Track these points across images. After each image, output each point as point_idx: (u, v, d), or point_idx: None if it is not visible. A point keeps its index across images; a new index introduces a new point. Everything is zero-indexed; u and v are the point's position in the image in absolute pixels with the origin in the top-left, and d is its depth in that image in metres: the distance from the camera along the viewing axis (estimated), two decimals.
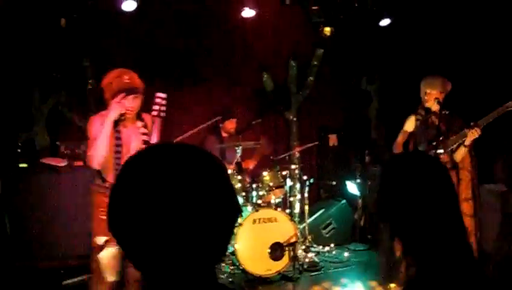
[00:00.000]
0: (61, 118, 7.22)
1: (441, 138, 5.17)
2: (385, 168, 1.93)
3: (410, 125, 5.59)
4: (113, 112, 4.02)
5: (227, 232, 1.23)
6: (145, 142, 4.18)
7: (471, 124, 4.94)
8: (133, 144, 4.20)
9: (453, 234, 1.72)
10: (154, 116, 4.23)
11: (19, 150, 6.85)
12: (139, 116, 4.32)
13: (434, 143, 5.15)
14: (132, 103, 4.17)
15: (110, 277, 4.15)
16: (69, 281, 5.77)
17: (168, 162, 1.18)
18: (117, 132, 4.14)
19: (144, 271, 1.18)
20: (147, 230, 1.11)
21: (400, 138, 5.66)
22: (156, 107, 4.21)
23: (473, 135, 4.92)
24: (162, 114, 4.25)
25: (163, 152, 1.22)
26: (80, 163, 6.75)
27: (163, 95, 4.28)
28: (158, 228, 1.11)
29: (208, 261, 1.21)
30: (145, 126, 4.30)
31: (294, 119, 8.94)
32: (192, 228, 1.13)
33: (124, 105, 4.09)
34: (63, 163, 6.42)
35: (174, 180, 1.14)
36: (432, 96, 5.25)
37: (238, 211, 1.26)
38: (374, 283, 5.88)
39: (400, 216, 1.77)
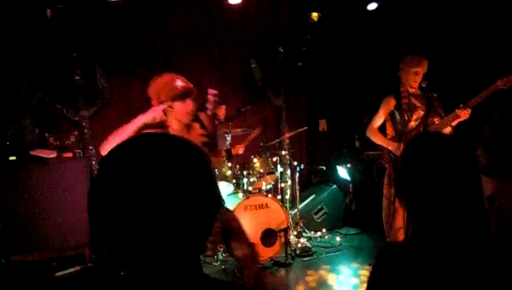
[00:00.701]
0: (50, 109, 7.19)
1: (429, 119, 5.17)
2: (408, 146, 1.91)
3: (387, 107, 5.48)
4: (151, 113, 3.96)
5: (207, 225, 1.23)
6: (205, 143, 4.15)
7: (461, 105, 4.94)
8: None
9: (470, 217, 1.72)
10: (209, 114, 4.21)
11: (8, 143, 6.81)
12: (196, 118, 4.24)
13: (429, 122, 5.15)
14: (191, 107, 4.09)
15: None
16: (62, 272, 5.76)
17: (150, 153, 1.17)
18: None
19: (126, 263, 1.17)
20: (127, 222, 1.11)
21: (376, 123, 5.57)
22: (210, 105, 4.16)
23: (464, 115, 4.92)
24: (216, 110, 4.24)
25: (147, 143, 1.22)
26: (70, 154, 6.73)
27: (214, 91, 4.24)
28: (138, 220, 1.11)
29: (189, 252, 1.21)
30: (203, 127, 4.23)
31: (284, 105, 8.94)
32: (172, 219, 1.13)
33: (159, 112, 4.00)
34: (52, 155, 6.40)
35: (155, 171, 1.13)
36: (420, 76, 5.23)
37: (219, 204, 1.26)
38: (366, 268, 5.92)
39: (420, 195, 1.77)
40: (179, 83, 4.03)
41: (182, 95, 3.98)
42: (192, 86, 4.10)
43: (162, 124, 4.06)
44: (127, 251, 1.14)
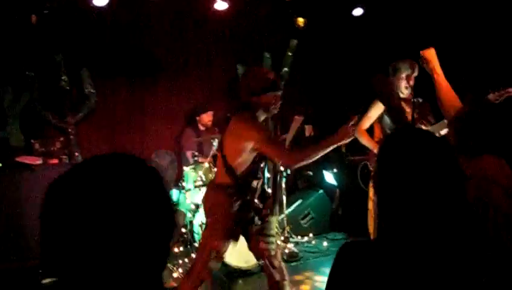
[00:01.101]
0: (35, 115, 7.15)
1: (417, 125, 5.19)
2: (385, 141, 1.90)
3: (377, 110, 5.46)
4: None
5: (164, 245, 1.23)
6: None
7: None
8: None
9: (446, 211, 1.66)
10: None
11: None
12: None
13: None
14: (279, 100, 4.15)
15: None
16: (48, 280, 5.72)
17: (101, 174, 1.16)
18: None
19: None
20: (79, 246, 1.10)
21: (365, 123, 5.54)
22: (277, 106, 4.17)
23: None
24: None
25: (100, 163, 1.21)
26: (55, 161, 6.69)
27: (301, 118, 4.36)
28: (90, 243, 1.09)
29: (148, 273, 1.19)
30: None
31: None
32: (126, 241, 1.12)
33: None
34: (38, 161, 6.36)
35: (105, 193, 1.12)
36: (412, 80, 5.24)
37: (173, 223, 1.25)
38: None
39: (392, 190, 1.72)
40: (271, 75, 4.10)
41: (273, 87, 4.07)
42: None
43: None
44: (81, 277, 1.13)
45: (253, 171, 4.16)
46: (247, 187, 4.12)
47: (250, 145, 3.91)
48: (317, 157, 4.00)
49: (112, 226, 1.10)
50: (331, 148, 3.99)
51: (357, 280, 1.65)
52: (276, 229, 4.30)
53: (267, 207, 4.26)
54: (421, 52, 3.82)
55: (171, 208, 1.25)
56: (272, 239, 4.20)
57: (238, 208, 4.04)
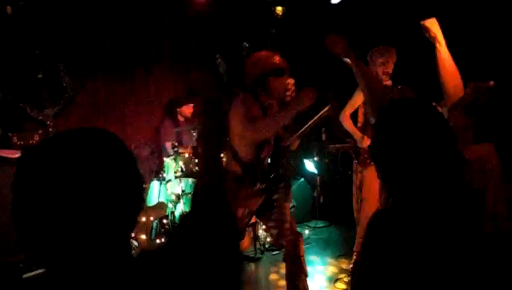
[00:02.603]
0: (13, 108, 7.06)
1: None
2: (382, 112, 1.93)
3: (360, 97, 5.50)
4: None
5: (134, 203, 1.25)
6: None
7: (434, 104, 5.01)
8: None
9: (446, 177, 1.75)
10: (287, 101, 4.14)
11: None
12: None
13: None
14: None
15: None
16: (30, 274, 5.69)
17: (72, 147, 1.18)
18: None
19: (52, 266, 1.20)
20: (51, 218, 1.12)
21: (349, 109, 5.61)
22: (288, 92, 4.20)
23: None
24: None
25: (66, 139, 1.22)
26: None
27: (293, 81, 4.29)
28: (62, 215, 1.12)
29: (117, 236, 1.23)
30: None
31: None
32: (94, 213, 1.14)
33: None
34: (16, 155, 6.30)
35: (76, 165, 1.14)
36: (390, 65, 5.27)
37: (140, 182, 1.28)
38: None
39: (396, 159, 1.78)
40: (277, 59, 4.17)
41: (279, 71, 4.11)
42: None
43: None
44: (51, 250, 1.15)
45: (272, 155, 4.12)
46: (256, 173, 4.09)
47: (240, 128, 3.88)
48: (281, 124, 3.93)
49: (82, 195, 1.13)
50: (293, 113, 3.86)
51: (389, 247, 1.73)
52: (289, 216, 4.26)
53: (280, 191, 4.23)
54: (421, 22, 3.80)
55: (140, 181, 1.28)
56: (286, 225, 4.19)
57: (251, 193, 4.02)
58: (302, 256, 4.24)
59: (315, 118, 5.16)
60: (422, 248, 1.68)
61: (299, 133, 5.10)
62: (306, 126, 5.06)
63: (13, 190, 1.17)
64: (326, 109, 5.50)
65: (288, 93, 4.14)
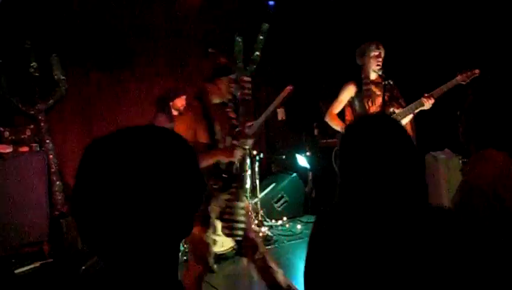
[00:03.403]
0: (4, 103, 7.02)
1: (389, 108, 5.24)
2: (347, 130, 2.00)
3: (348, 94, 5.53)
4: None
5: (186, 220, 1.24)
6: (233, 126, 4.39)
7: (426, 94, 5.06)
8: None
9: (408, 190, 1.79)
10: (242, 99, 4.38)
11: None
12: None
13: (388, 111, 5.21)
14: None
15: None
16: (22, 269, 5.68)
17: (133, 143, 1.18)
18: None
19: (108, 257, 1.18)
20: (112, 211, 1.12)
21: (336, 108, 5.60)
22: (245, 90, 4.30)
23: (429, 105, 5.05)
24: (248, 97, 4.44)
25: (128, 134, 1.22)
26: (26, 149, 6.61)
27: (248, 79, 4.48)
28: (123, 209, 1.11)
29: (173, 240, 1.23)
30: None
31: None
32: (157, 206, 1.14)
33: None
34: (8, 149, 6.28)
35: (139, 160, 1.14)
36: (381, 59, 5.29)
37: (203, 187, 1.27)
38: None
39: (359, 175, 1.84)
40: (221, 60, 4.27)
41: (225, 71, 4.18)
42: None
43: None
44: (112, 243, 1.15)
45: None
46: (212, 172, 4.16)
47: None
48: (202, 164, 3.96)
49: (144, 192, 1.13)
50: (211, 161, 4.06)
51: (335, 240, 1.81)
52: (242, 216, 4.28)
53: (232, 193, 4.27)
54: None
55: (202, 182, 1.28)
56: (237, 225, 4.23)
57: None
58: (265, 252, 4.28)
59: (276, 101, 5.24)
60: (362, 244, 1.74)
61: (261, 118, 5.23)
62: (268, 110, 5.20)
63: (76, 179, 1.17)
64: (286, 91, 5.55)
65: (245, 91, 4.36)
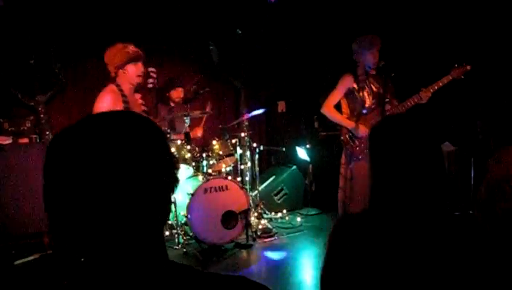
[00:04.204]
0: (4, 94, 7.02)
1: (387, 100, 5.25)
2: (373, 130, 2.01)
3: (346, 85, 5.50)
4: None
5: (165, 201, 1.22)
6: (145, 112, 4.47)
7: (423, 88, 5.12)
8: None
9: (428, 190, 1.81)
10: (149, 88, 4.63)
11: None
12: (137, 90, 4.67)
13: (387, 102, 5.22)
14: (142, 69, 4.58)
15: None
16: (21, 260, 5.68)
17: (105, 129, 1.15)
18: (126, 102, 4.49)
19: (85, 249, 1.15)
20: (84, 201, 1.08)
21: (333, 100, 5.57)
22: (151, 80, 4.46)
23: (425, 98, 5.12)
24: (150, 85, 4.66)
25: (100, 120, 1.19)
26: (26, 140, 6.61)
27: (154, 69, 4.68)
28: (95, 198, 1.08)
29: (151, 232, 1.19)
30: (142, 98, 4.58)
31: (242, 86, 8.93)
32: (129, 196, 1.11)
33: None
34: (7, 141, 6.28)
35: (110, 147, 1.11)
36: (372, 57, 5.30)
37: (175, 180, 1.24)
38: None
39: (386, 172, 1.87)
40: (131, 48, 4.55)
41: (134, 58, 4.48)
42: (141, 52, 4.62)
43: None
44: (86, 235, 1.12)
45: None
46: None
47: None
48: None
49: (116, 176, 1.10)
50: None
51: (355, 250, 1.76)
52: None
53: None
54: None
55: (173, 162, 1.25)
56: None
57: None
58: None
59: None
60: (385, 253, 1.71)
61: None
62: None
63: (44, 172, 1.14)
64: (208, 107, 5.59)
65: (150, 80, 4.58)
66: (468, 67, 5.08)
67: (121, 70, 4.58)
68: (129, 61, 4.49)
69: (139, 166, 1.13)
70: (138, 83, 4.64)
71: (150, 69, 4.65)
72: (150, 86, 4.54)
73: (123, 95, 4.52)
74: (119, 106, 4.43)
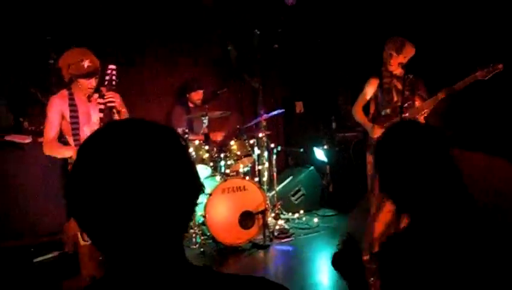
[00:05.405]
0: (24, 94, 7.07)
1: (408, 103, 5.20)
2: (381, 139, 1.99)
3: (371, 88, 5.49)
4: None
5: (188, 210, 1.23)
6: (101, 110, 4.44)
7: (445, 88, 4.97)
8: (93, 117, 4.59)
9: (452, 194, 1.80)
10: (106, 86, 4.51)
11: None
12: (96, 91, 4.66)
13: (405, 106, 5.15)
14: (94, 83, 4.57)
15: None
16: (40, 258, 5.73)
17: (128, 138, 1.16)
18: (74, 111, 4.53)
19: (107, 251, 1.17)
20: (108, 208, 1.10)
21: (360, 102, 5.56)
22: (107, 78, 4.51)
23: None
24: (113, 86, 4.53)
25: (123, 128, 1.21)
26: None
27: (113, 67, 4.60)
28: (119, 206, 1.10)
29: (171, 237, 1.20)
30: (102, 96, 4.51)
31: (260, 87, 8.93)
32: (153, 205, 1.12)
33: None
34: (27, 140, 6.33)
35: (134, 156, 1.12)
36: (396, 61, 5.21)
37: (199, 188, 1.25)
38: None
39: (401, 187, 1.86)
40: (86, 64, 4.52)
41: (87, 75, 4.49)
42: (97, 65, 4.62)
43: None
44: (109, 238, 1.14)
45: None
46: None
47: None
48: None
49: (139, 186, 1.11)
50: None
51: (407, 269, 1.77)
52: None
53: None
54: None
55: (195, 171, 1.26)
56: None
57: None
58: None
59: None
60: (439, 268, 1.71)
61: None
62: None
63: (71, 176, 1.16)
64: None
65: (107, 78, 4.54)
66: (500, 67, 4.85)
67: (74, 80, 4.56)
68: (81, 77, 4.49)
69: (164, 174, 1.14)
70: (89, 93, 4.64)
71: (109, 66, 4.62)
72: (106, 84, 4.51)
73: (71, 104, 4.55)
74: (66, 112, 4.50)
